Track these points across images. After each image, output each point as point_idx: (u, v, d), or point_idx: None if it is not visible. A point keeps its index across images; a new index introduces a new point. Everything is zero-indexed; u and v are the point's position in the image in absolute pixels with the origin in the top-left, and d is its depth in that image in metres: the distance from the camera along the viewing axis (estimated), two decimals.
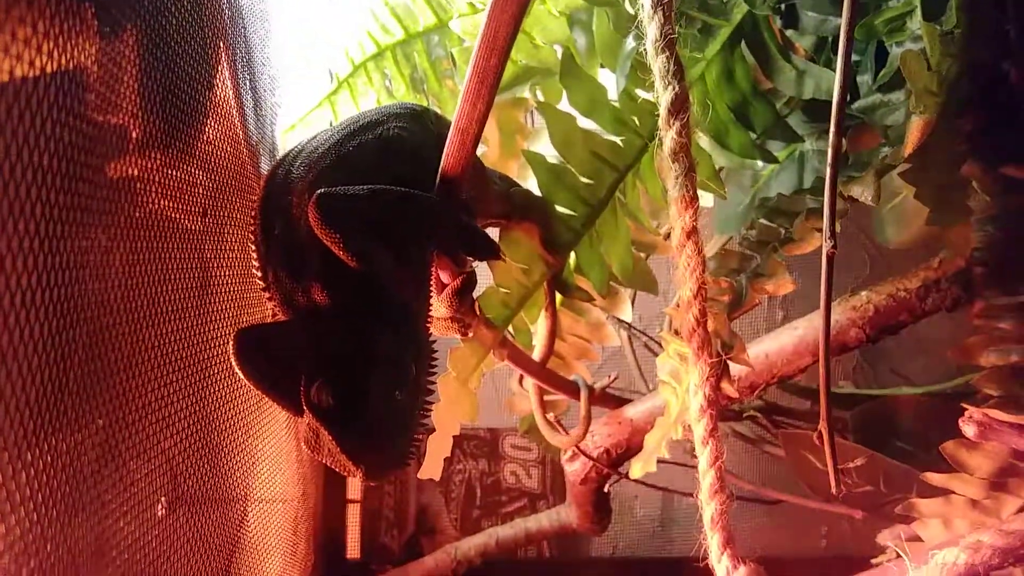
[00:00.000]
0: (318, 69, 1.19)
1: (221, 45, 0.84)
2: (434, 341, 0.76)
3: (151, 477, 0.68)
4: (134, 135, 0.64)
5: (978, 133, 0.87)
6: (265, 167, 0.99)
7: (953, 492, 0.92)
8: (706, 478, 0.77)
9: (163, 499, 0.71)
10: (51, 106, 0.51)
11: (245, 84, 0.93)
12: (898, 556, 0.86)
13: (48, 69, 0.50)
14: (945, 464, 0.92)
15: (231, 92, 0.87)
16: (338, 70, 1.12)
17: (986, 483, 0.90)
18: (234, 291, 0.87)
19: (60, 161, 0.52)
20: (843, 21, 0.71)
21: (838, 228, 0.74)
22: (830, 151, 0.72)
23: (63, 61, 0.52)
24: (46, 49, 0.50)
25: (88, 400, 0.57)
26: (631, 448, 1.18)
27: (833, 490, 0.86)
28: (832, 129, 0.72)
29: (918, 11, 0.83)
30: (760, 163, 0.96)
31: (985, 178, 0.91)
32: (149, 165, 0.67)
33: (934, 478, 0.93)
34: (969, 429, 0.82)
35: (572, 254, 0.95)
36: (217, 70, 0.82)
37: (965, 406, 0.80)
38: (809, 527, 1.69)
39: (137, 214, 0.65)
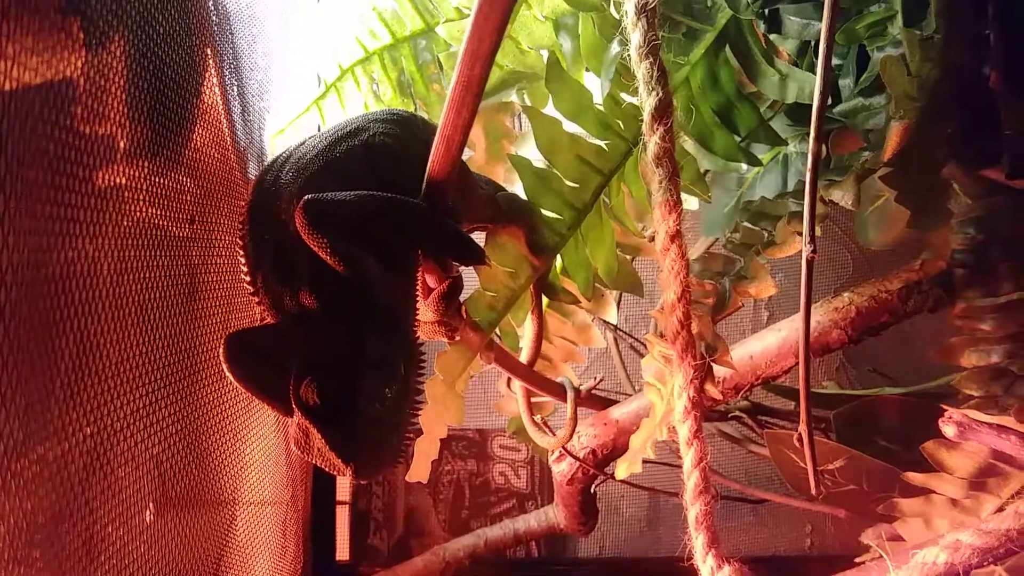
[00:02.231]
0: (306, 73, 1.20)
1: (208, 51, 0.84)
2: (422, 344, 0.76)
3: (140, 482, 0.69)
4: (121, 142, 0.64)
5: (958, 137, 0.88)
6: (253, 172, 0.99)
7: (934, 492, 0.93)
8: (691, 479, 0.77)
9: (151, 504, 0.71)
10: (38, 115, 0.51)
11: (233, 89, 0.93)
12: (881, 556, 0.87)
13: (35, 78, 0.51)
14: (926, 464, 0.93)
15: (219, 97, 0.87)
16: (326, 74, 1.12)
17: (966, 483, 0.91)
18: (222, 296, 0.87)
19: (47, 171, 0.52)
20: (824, 26, 0.71)
21: (818, 232, 0.74)
22: (810, 156, 0.73)
23: (50, 70, 0.52)
24: (31, 58, 0.50)
25: (76, 406, 0.58)
26: (617, 449, 1.19)
27: (813, 491, 0.87)
28: (812, 134, 0.72)
29: (899, 16, 0.85)
30: (745, 166, 0.97)
31: (966, 181, 0.92)
32: (136, 172, 0.67)
33: (915, 478, 0.94)
34: (949, 429, 0.83)
35: (558, 257, 0.96)
36: (205, 76, 0.82)
37: (945, 407, 0.81)
38: (794, 526, 1.70)
39: (124, 221, 0.65)
